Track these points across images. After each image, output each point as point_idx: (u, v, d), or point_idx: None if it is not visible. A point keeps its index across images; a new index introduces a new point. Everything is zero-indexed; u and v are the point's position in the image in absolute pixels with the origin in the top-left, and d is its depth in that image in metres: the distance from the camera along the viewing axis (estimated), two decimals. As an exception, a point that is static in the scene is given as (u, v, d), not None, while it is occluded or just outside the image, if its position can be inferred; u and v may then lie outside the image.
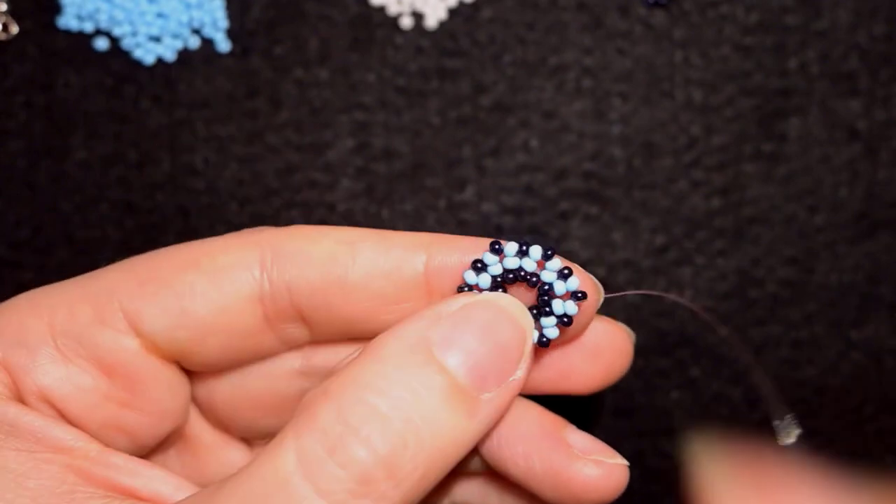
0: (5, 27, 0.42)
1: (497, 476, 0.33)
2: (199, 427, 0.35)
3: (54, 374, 0.31)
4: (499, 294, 0.30)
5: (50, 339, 0.31)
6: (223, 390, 0.34)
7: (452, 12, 0.43)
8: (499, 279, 0.30)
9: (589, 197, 0.43)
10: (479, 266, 0.30)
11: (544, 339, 0.30)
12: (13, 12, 0.42)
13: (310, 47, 0.42)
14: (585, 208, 0.43)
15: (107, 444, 0.30)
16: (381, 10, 0.42)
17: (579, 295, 0.30)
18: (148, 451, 0.34)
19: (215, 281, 0.31)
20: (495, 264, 0.30)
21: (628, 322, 0.43)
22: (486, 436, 0.31)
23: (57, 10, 0.42)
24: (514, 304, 0.29)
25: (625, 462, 0.31)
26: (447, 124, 0.43)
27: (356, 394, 0.27)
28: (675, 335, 0.43)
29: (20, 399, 0.31)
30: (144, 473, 0.30)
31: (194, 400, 0.35)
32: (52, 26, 0.42)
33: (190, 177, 0.42)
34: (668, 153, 0.43)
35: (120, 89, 0.42)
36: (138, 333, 0.31)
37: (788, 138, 0.43)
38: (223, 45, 0.42)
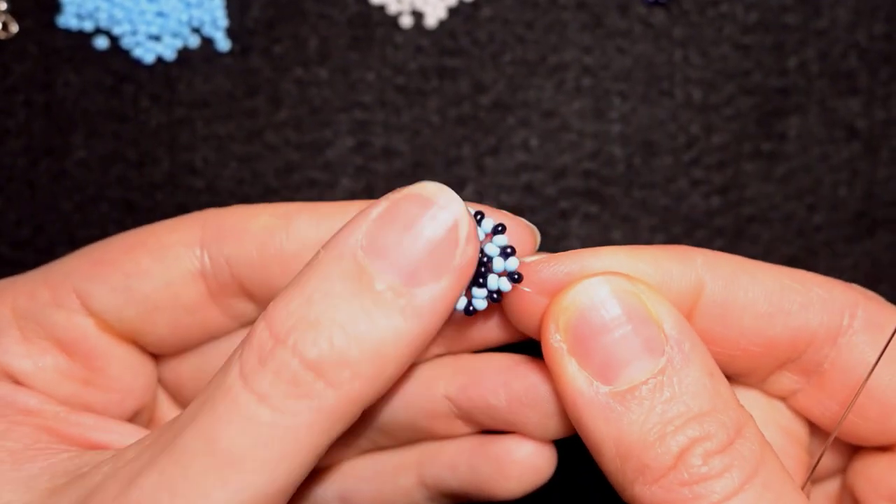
0: (5, 26, 0.42)
1: (470, 448, 0.34)
2: (168, 410, 0.36)
3: (17, 353, 0.32)
4: (424, 184, 0.28)
5: (13, 322, 0.32)
6: (186, 371, 0.35)
7: (452, 11, 0.43)
8: None
9: (588, 196, 0.43)
10: None
11: (471, 308, 0.30)
12: (13, 11, 0.42)
13: (309, 46, 0.42)
14: (585, 207, 0.43)
15: None
16: (381, 9, 0.42)
17: (515, 276, 0.30)
18: None
19: (159, 259, 0.32)
20: None
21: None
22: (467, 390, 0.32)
23: (57, 9, 0.42)
24: (442, 191, 0.28)
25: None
26: (447, 123, 0.43)
27: (286, 306, 0.27)
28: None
29: None
30: (115, 429, 0.31)
31: (162, 383, 0.35)
32: (51, 25, 0.42)
33: (189, 176, 0.42)
34: (668, 152, 0.43)
35: (120, 88, 0.42)
36: (90, 312, 0.32)
37: (788, 137, 0.43)
38: (223, 44, 0.42)
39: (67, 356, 0.32)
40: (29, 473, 0.28)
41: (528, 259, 0.30)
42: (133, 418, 0.35)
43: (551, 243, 0.43)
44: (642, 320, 0.28)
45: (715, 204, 0.43)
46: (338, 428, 0.27)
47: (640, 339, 0.28)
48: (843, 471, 0.33)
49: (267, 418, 0.26)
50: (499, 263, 0.30)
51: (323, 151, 0.42)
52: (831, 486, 0.34)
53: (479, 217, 0.30)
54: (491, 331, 0.33)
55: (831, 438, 0.31)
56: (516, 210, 0.42)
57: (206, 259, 0.32)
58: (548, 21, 0.43)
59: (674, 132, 0.43)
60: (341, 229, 0.28)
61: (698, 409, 0.27)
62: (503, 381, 0.32)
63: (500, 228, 0.30)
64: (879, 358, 0.30)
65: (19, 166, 0.42)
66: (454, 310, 0.30)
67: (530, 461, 0.33)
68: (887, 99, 0.43)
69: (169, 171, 0.42)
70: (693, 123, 0.43)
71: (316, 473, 0.35)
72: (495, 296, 0.30)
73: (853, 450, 0.33)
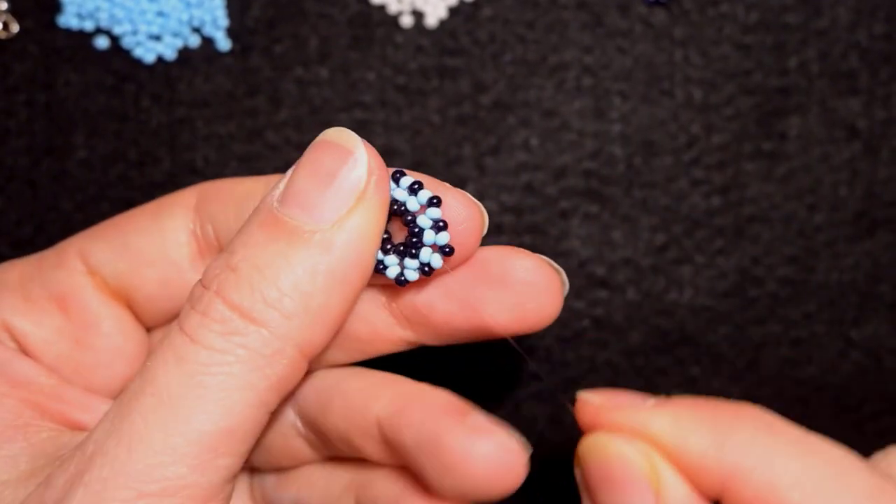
0: (6, 26, 0.42)
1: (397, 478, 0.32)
2: None
3: (17, 309, 0.33)
4: (329, 131, 0.30)
5: (19, 284, 0.34)
6: None
7: (452, 11, 0.43)
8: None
9: (589, 195, 0.43)
10: None
11: (402, 279, 0.31)
12: (14, 11, 0.42)
13: (310, 46, 0.42)
14: (585, 207, 0.43)
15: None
16: (382, 8, 0.42)
17: (447, 250, 0.30)
18: (111, 394, 0.35)
19: (156, 218, 0.34)
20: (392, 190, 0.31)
21: (628, 320, 0.43)
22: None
23: (57, 8, 0.42)
24: (340, 133, 0.29)
25: (524, 448, 0.29)
26: (447, 123, 0.43)
27: (213, 262, 0.29)
28: (676, 334, 0.43)
29: None
30: (96, 408, 0.32)
31: None
32: (52, 25, 0.42)
33: (190, 175, 0.42)
34: (668, 152, 0.43)
35: (120, 88, 0.42)
36: (89, 270, 0.34)
37: (788, 137, 0.43)
38: (223, 43, 0.42)
39: (64, 314, 0.34)
40: (9, 453, 0.30)
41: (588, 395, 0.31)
42: (122, 386, 0.35)
43: (551, 243, 0.43)
44: (638, 482, 0.29)
45: (715, 204, 0.43)
46: (275, 369, 0.28)
47: (629, 500, 0.29)
48: None
49: (198, 356, 0.28)
50: (429, 236, 0.30)
51: (323, 151, 0.42)
52: None
53: (398, 175, 0.30)
54: (454, 320, 0.32)
55: None
56: (517, 210, 0.43)
57: (196, 220, 0.34)
58: (548, 21, 0.43)
59: (674, 132, 0.43)
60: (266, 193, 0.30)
61: None
62: (420, 419, 0.30)
63: (434, 201, 0.30)
64: None
65: (20, 166, 0.42)
66: (387, 277, 0.30)
67: None
68: (888, 99, 0.43)
69: (170, 170, 0.43)
70: (693, 123, 0.43)
71: (275, 478, 0.36)
72: (426, 269, 0.30)
73: None
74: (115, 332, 0.34)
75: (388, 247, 0.31)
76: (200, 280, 0.29)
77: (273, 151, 0.42)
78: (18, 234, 0.43)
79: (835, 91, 0.43)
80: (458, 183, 0.43)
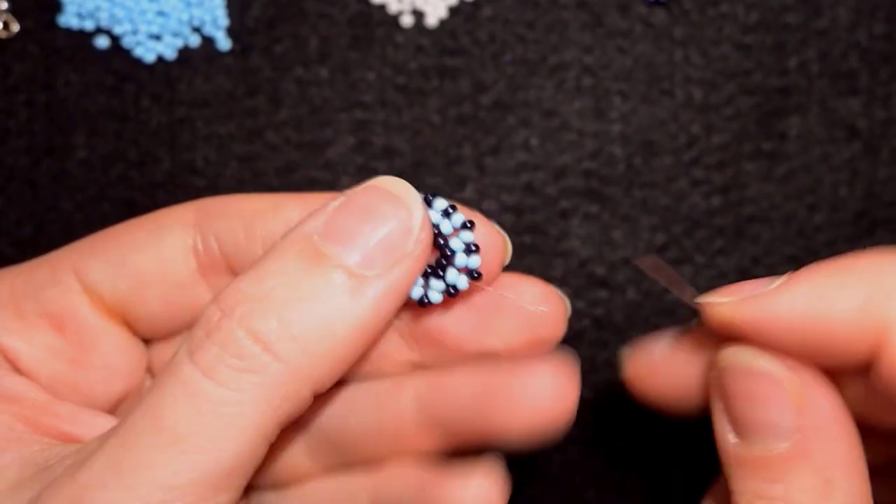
0: (6, 25, 0.42)
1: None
2: None
3: (10, 327, 0.32)
4: (383, 178, 0.29)
5: (10, 300, 0.33)
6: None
7: (453, 11, 0.43)
8: None
9: (589, 195, 0.43)
10: None
11: (426, 300, 0.30)
12: (14, 11, 0.42)
13: (310, 45, 0.42)
14: (585, 207, 0.43)
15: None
16: (382, 8, 0.42)
17: (475, 274, 0.30)
18: (108, 411, 0.35)
19: (155, 235, 0.33)
20: None
21: (628, 320, 0.43)
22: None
23: (58, 8, 0.42)
24: (397, 184, 0.29)
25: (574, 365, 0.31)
26: (447, 123, 0.43)
27: (236, 285, 0.28)
28: (675, 333, 0.43)
29: None
30: (88, 421, 0.31)
31: (151, 370, 0.36)
32: (52, 25, 0.42)
33: (190, 175, 0.42)
34: (668, 152, 0.43)
35: (120, 88, 0.42)
36: (86, 289, 0.33)
37: (788, 137, 0.43)
38: (223, 43, 0.42)
39: (59, 333, 0.33)
40: (1, 463, 0.29)
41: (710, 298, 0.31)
42: (120, 402, 0.35)
43: (551, 243, 0.43)
44: (781, 405, 0.28)
45: (715, 204, 0.43)
46: (285, 407, 0.27)
47: (772, 419, 0.28)
48: None
49: (211, 393, 0.27)
50: (461, 259, 0.30)
51: (323, 151, 0.42)
52: None
53: (429, 198, 0.30)
54: (465, 344, 0.32)
55: None
56: (517, 210, 0.43)
57: (198, 237, 0.33)
58: (548, 21, 0.43)
59: (674, 132, 0.43)
60: (301, 220, 0.29)
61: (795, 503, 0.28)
62: (472, 378, 0.31)
63: (468, 224, 0.30)
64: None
65: (20, 166, 0.42)
66: (409, 298, 0.30)
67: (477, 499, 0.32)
68: (888, 99, 0.43)
69: (170, 170, 0.43)
70: (693, 123, 0.43)
71: (274, 495, 0.35)
72: (452, 290, 0.30)
73: None
74: (113, 351, 0.34)
75: None
76: (216, 303, 0.28)
77: (273, 151, 0.42)
78: (18, 234, 0.43)
79: (835, 91, 0.43)
80: (458, 183, 0.43)
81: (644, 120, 0.43)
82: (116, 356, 0.34)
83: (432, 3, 0.42)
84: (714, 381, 0.30)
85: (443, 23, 0.43)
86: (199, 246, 0.33)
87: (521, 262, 0.43)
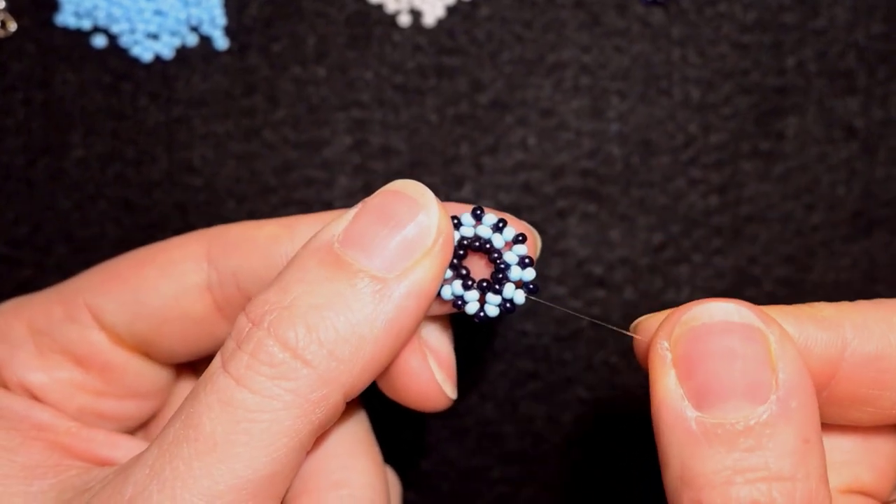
0: (3, 24, 0.42)
1: None
2: None
3: (32, 366, 0.33)
4: (401, 181, 0.30)
5: (29, 337, 0.33)
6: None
7: (450, 10, 0.43)
8: (465, 241, 0.31)
9: (586, 195, 0.43)
10: (455, 223, 0.30)
11: (482, 315, 0.30)
12: (11, 9, 0.42)
13: (307, 45, 0.42)
14: (583, 206, 0.43)
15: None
16: (379, 7, 0.42)
17: (531, 287, 0.30)
18: (136, 430, 0.35)
19: (167, 273, 0.33)
20: (469, 227, 0.31)
21: (625, 320, 0.43)
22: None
23: (55, 7, 0.42)
24: (412, 186, 0.29)
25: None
26: (445, 122, 0.43)
27: (263, 296, 0.28)
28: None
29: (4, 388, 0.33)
30: (124, 445, 0.32)
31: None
32: (50, 23, 0.42)
33: (187, 174, 0.42)
34: (666, 151, 0.43)
35: (118, 87, 0.42)
36: (102, 327, 0.33)
37: (786, 136, 0.43)
38: (221, 42, 0.42)
39: (82, 369, 0.33)
40: (39, 489, 0.29)
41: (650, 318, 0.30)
42: (150, 422, 0.35)
43: (549, 242, 0.43)
44: (758, 361, 0.26)
45: (713, 203, 0.43)
46: (318, 414, 0.28)
47: (747, 380, 0.26)
48: None
49: (245, 401, 0.27)
50: (516, 272, 0.30)
51: (321, 150, 0.42)
52: None
53: (479, 212, 0.30)
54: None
55: None
56: (514, 209, 0.42)
57: (213, 273, 0.33)
58: (546, 20, 0.43)
59: (672, 131, 0.43)
60: (320, 229, 0.29)
61: (776, 471, 0.26)
62: None
63: (520, 238, 0.30)
64: None
65: (17, 164, 0.42)
66: (466, 313, 0.30)
67: None
68: (885, 98, 0.43)
69: (167, 169, 0.42)
70: (691, 123, 0.43)
71: None
72: (509, 305, 0.30)
73: None
74: (140, 382, 0.34)
75: (470, 283, 0.30)
76: (246, 314, 0.28)
77: (270, 150, 0.42)
78: (15, 233, 0.43)
79: (832, 91, 0.43)
80: (456, 182, 0.43)
81: (641, 119, 0.43)
82: (145, 385, 0.34)
83: (430, 3, 0.42)
84: (662, 352, 0.27)
85: (440, 22, 0.43)
86: (215, 282, 0.33)
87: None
